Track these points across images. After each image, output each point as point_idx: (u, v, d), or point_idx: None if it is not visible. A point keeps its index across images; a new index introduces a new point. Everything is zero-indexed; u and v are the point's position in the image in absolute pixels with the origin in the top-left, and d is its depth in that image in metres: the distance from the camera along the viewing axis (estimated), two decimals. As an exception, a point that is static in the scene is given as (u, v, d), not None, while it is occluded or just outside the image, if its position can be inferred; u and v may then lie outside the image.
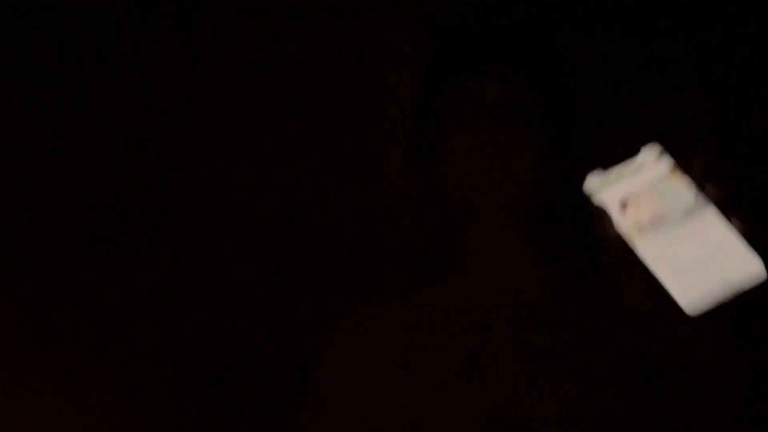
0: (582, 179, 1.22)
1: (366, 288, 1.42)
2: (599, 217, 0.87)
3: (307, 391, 1.24)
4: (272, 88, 1.49)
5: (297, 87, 1.50)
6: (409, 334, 1.20)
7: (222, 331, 1.46)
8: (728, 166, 0.89)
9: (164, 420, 1.42)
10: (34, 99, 1.47)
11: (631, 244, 0.85)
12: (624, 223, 0.86)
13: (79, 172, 1.48)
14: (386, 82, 1.48)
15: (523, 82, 1.21)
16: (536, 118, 1.20)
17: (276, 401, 1.37)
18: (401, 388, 1.16)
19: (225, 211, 1.49)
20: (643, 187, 0.87)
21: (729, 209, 0.84)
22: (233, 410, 1.43)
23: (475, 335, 1.16)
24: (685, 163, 0.87)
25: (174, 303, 1.46)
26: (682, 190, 0.86)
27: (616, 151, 0.89)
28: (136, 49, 1.48)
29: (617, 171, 0.89)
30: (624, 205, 0.87)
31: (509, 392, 1.11)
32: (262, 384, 1.43)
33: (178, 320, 1.46)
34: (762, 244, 0.82)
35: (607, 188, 0.88)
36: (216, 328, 1.46)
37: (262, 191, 1.49)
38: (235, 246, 1.49)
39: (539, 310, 1.17)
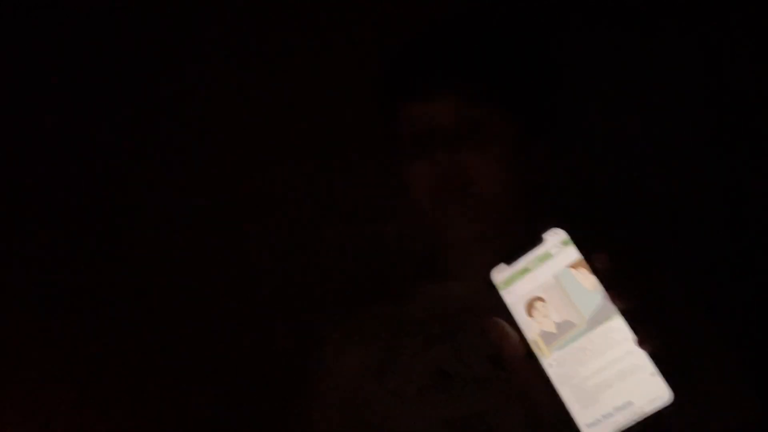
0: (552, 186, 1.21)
1: (345, 297, 1.41)
2: (497, 328, 0.83)
3: (286, 400, 1.27)
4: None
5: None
6: (386, 344, 1.20)
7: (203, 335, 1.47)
8: (637, 272, 0.83)
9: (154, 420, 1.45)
10: (34, 99, 1.48)
11: (536, 353, 0.81)
12: (530, 329, 0.82)
13: (78, 171, 1.48)
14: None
15: (481, 96, 1.15)
16: (497, 133, 1.15)
17: (255, 411, 1.41)
18: (377, 399, 1.17)
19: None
20: (550, 282, 0.82)
21: (636, 321, 0.78)
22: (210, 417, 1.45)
23: (448, 345, 1.16)
24: (590, 257, 0.81)
25: (172, 302, 1.47)
26: (589, 287, 0.80)
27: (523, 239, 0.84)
28: (136, 50, 1.47)
29: (523, 262, 0.83)
30: (531, 306, 0.82)
31: (481, 404, 1.11)
32: (241, 394, 1.44)
33: (174, 320, 1.47)
34: (668, 361, 0.77)
35: (514, 282, 0.84)
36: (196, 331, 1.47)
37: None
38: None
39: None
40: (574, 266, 0.81)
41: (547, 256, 0.83)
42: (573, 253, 0.82)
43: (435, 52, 1.19)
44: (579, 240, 0.82)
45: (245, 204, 1.47)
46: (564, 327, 0.81)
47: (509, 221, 1.17)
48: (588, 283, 0.81)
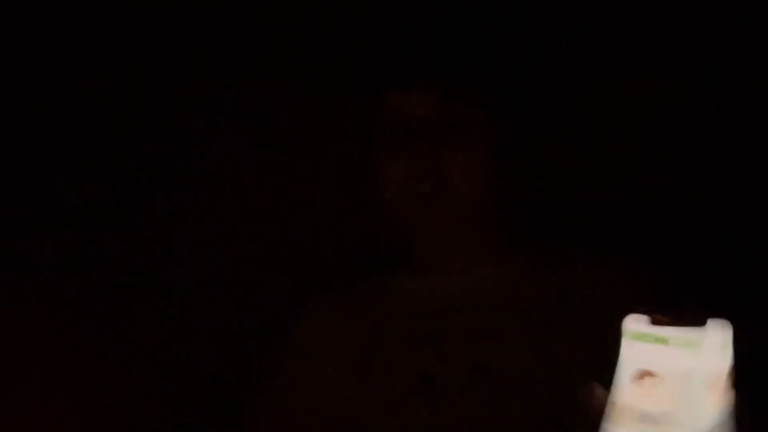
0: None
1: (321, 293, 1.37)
2: (593, 392, 0.76)
3: (266, 401, 1.24)
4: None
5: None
6: (367, 344, 1.18)
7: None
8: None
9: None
10: (34, 99, 1.46)
11: (612, 417, 0.73)
12: (625, 393, 0.72)
13: (78, 171, 1.47)
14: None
15: (462, 90, 1.12)
16: (475, 127, 1.12)
17: (234, 409, 1.37)
18: (358, 403, 1.15)
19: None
20: (679, 371, 0.70)
21: None
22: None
23: (430, 348, 1.14)
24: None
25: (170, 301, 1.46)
26: (713, 406, 0.70)
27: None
28: (136, 51, 1.46)
29: (668, 333, 0.70)
30: (643, 374, 0.71)
31: (463, 410, 1.10)
32: (219, 392, 1.42)
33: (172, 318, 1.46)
34: None
35: (643, 341, 0.71)
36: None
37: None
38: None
39: (494, 317, 1.15)
40: (716, 376, 0.70)
41: (694, 345, 0.70)
42: (720, 363, 0.71)
43: (417, 41, 1.15)
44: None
45: (217, 196, 1.47)
46: (659, 418, 0.70)
47: (484, 216, 1.17)
48: (715, 402, 0.70)
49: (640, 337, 0.71)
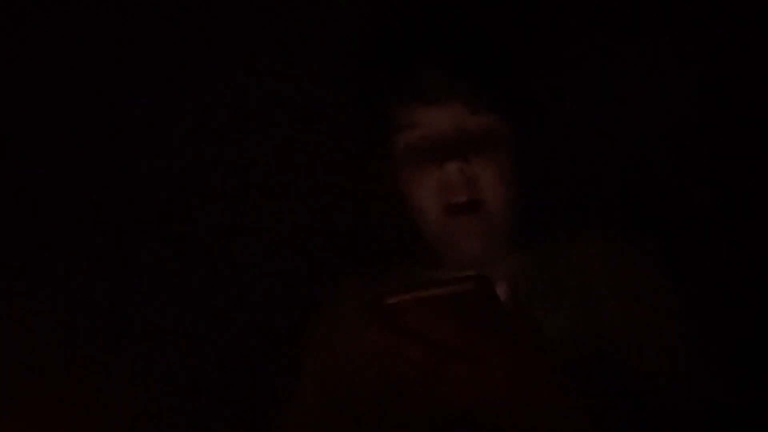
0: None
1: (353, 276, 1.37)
2: None
3: (270, 401, 1.25)
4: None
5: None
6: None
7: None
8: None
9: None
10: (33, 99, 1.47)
11: None
12: None
13: (78, 171, 1.48)
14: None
15: (485, 104, 1.12)
16: (500, 143, 1.13)
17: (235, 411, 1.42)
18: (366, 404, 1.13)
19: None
20: None
21: None
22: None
23: None
24: None
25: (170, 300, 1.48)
26: None
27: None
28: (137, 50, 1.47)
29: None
30: None
31: None
32: (226, 393, 1.45)
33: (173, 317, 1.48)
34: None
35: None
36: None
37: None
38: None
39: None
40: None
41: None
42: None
43: (442, 56, 1.12)
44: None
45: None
46: None
47: (513, 234, 1.17)
48: None
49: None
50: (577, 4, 1.39)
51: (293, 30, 1.45)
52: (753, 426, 0.99)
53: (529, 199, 1.18)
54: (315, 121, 1.45)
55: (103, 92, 1.46)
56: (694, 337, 1.09)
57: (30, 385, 1.41)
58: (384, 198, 1.25)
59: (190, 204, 1.48)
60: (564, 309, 1.13)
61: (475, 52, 1.12)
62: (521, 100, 1.15)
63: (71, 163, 1.47)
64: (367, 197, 1.37)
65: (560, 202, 1.36)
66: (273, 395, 1.31)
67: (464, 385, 0.79)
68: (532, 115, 1.18)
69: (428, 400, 0.82)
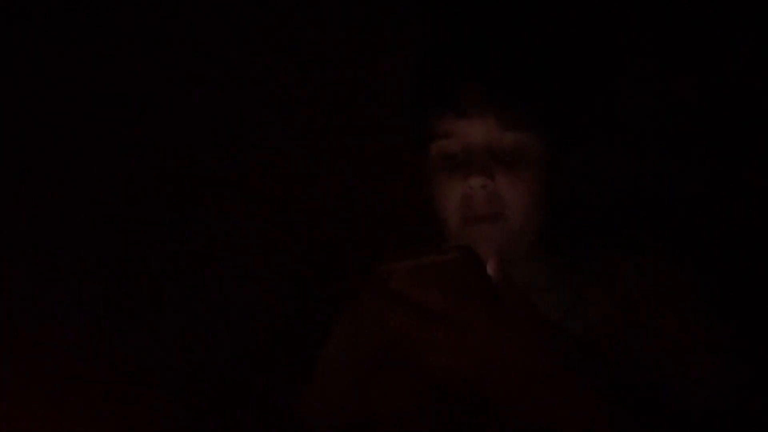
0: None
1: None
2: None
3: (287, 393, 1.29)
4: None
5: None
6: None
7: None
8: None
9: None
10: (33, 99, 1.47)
11: None
12: None
13: (78, 171, 1.49)
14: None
15: (518, 120, 1.12)
16: (530, 159, 1.13)
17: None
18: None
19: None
20: None
21: None
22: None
23: None
24: None
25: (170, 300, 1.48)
26: None
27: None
28: (138, 49, 1.47)
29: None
30: None
31: None
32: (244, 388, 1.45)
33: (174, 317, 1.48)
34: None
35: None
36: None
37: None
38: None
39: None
40: None
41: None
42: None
43: (476, 69, 1.14)
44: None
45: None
46: None
47: (536, 242, 1.17)
48: None
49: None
50: (618, 30, 1.39)
51: (301, 30, 1.46)
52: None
53: (555, 211, 1.19)
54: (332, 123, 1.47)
55: (103, 92, 1.47)
56: (728, 344, 1.10)
57: (30, 385, 1.42)
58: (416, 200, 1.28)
59: (196, 204, 1.49)
60: (585, 318, 1.14)
61: (514, 69, 1.14)
62: (557, 120, 1.16)
63: (71, 163, 1.47)
64: (402, 198, 1.41)
65: (587, 213, 1.35)
66: (273, 395, 1.36)
67: (446, 346, 0.84)
68: (568, 137, 1.19)
69: (415, 361, 0.87)
